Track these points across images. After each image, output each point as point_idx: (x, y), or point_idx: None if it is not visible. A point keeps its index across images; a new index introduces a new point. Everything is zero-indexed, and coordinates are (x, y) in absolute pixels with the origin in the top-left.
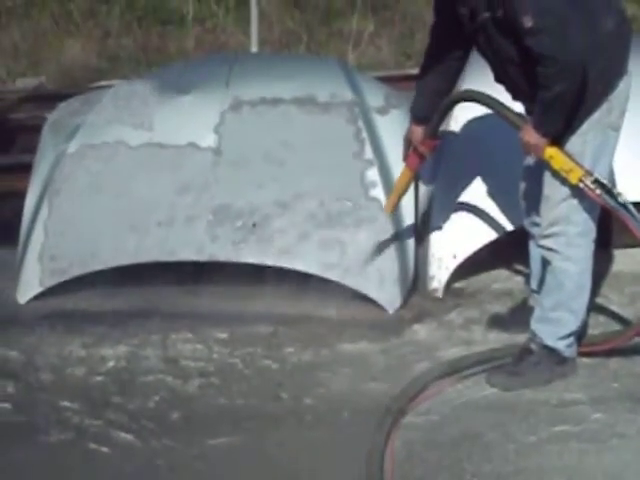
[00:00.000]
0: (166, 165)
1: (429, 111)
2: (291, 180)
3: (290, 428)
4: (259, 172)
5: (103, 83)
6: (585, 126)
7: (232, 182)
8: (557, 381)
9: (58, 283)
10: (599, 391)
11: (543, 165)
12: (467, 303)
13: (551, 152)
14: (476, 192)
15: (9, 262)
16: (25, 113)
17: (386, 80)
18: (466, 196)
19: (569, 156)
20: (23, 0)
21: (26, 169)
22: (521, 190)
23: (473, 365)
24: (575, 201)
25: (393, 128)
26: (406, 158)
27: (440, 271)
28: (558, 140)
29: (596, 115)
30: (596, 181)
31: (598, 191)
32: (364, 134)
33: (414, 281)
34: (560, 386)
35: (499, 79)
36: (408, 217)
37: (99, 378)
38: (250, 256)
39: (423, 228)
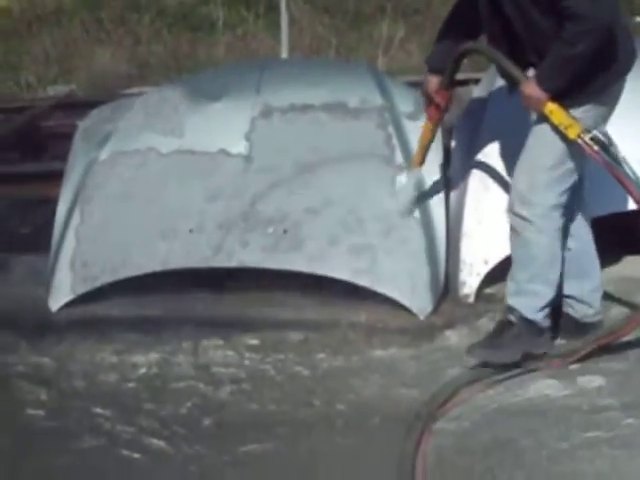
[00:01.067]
0: (197, 172)
1: (443, 62)
2: (321, 186)
3: (322, 434)
4: (289, 179)
5: (134, 90)
6: (584, 106)
7: (263, 189)
8: (589, 387)
9: (90, 290)
10: (631, 396)
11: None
12: (498, 309)
13: (551, 107)
14: (507, 197)
15: (41, 269)
16: (56, 120)
17: (417, 85)
18: (497, 201)
19: (568, 112)
20: (54, 8)
21: (58, 176)
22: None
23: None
24: (558, 172)
25: None
26: (426, 110)
27: (471, 277)
28: (557, 99)
29: (598, 97)
30: (594, 138)
31: (596, 147)
32: (394, 140)
33: (445, 287)
34: (592, 392)
35: (500, 38)
36: (439, 222)
37: (131, 385)
38: (281, 262)
39: (454, 233)
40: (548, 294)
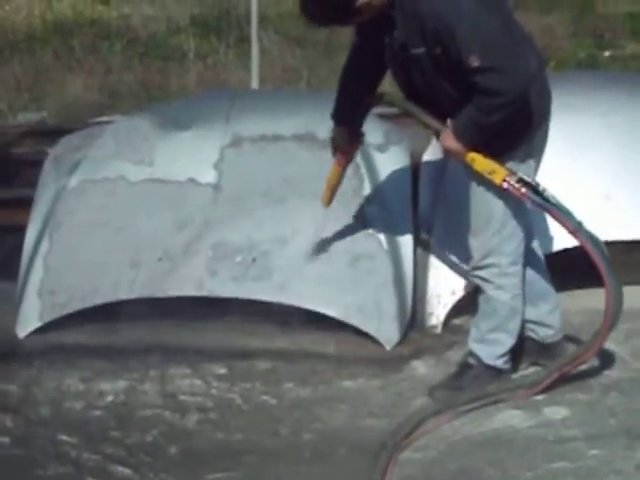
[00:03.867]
0: (166, 201)
1: (349, 116)
2: (290, 216)
3: (288, 463)
4: (259, 208)
5: (104, 119)
6: (506, 154)
7: (232, 218)
8: (554, 418)
9: (58, 317)
10: (596, 428)
11: (469, 199)
12: (465, 340)
13: (472, 155)
14: None
15: (9, 296)
16: (27, 148)
17: (386, 117)
18: (463, 233)
19: (490, 158)
20: (25, 35)
21: (27, 203)
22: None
23: (469, 402)
24: (505, 232)
25: (392, 165)
26: (334, 155)
27: (438, 307)
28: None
29: (520, 145)
30: (520, 180)
31: (523, 190)
32: (363, 170)
33: (412, 317)
34: (557, 422)
35: (412, 97)
36: (407, 253)
37: (97, 412)
38: (249, 292)
39: (422, 264)
40: (508, 342)
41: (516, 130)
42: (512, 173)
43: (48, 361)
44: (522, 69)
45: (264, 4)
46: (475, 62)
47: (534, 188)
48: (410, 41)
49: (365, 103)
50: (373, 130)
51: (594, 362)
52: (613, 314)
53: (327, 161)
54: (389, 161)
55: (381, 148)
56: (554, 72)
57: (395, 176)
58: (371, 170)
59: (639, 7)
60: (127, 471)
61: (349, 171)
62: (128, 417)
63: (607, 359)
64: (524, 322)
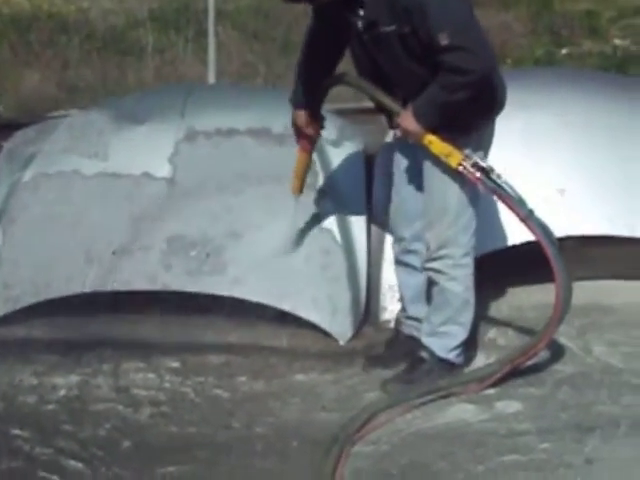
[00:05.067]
0: (121, 195)
1: (308, 98)
2: (244, 211)
3: (241, 457)
4: (213, 202)
5: (61, 113)
6: (462, 139)
7: (186, 212)
8: (506, 412)
9: (11, 311)
10: (547, 421)
11: (422, 184)
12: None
13: (430, 138)
14: None
15: None
16: None
17: (341, 113)
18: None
19: (447, 141)
20: None
21: None
22: (393, 205)
23: (420, 396)
24: (460, 223)
25: (346, 160)
26: (298, 141)
27: (392, 302)
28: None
29: (476, 131)
30: (475, 164)
31: (478, 174)
32: (317, 166)
33: (366, 312)
34: (509, 416)
35: (374, 79)
36: (360, 248)
37: (50, 406)
38: (203, 286)
39: (375, 259)
40: (461, 335)
41: (473, 116)
42: (468, 157)
43: (1, 355)
44: (488, 52)
45: None
46: (444, 40)
47: (488, 173)
48: (379, 19)
49: (324, 84)
50: (327, 126)
51: (547, 357)
52: (563, 304)
53: (282, 156)
54: (343, 156)
55: (335, 143)
56: (511, 69)
57: (349, 171)
58: (325, 165)
59: (596, 5)
60: (80, 465)
61: None
62: (81, 411)
63: (560, 354)
64: (407, 319)
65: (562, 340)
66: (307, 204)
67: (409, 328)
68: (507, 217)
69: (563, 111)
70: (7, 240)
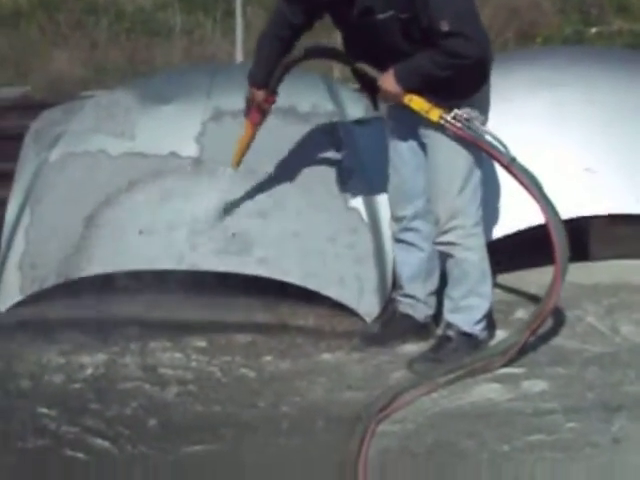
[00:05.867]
0: (147, 174)
1: (268, 77)
2: (271, 190)
3: (266, 435)
4: (239, 182)
5: (89, 93)
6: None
7: (212, 191)
8: (533, 391)
9: (38, 291)
10: (574, 401)
11: (421, 162)
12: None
13: (410, 96)
14: None
15: None
16: (9, 122)
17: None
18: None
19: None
20: (11, 10)
21: (9, 177)
22: (392, 185)
23: (447, 374)
24: (468, 191)
25: (373, 138)
26: (248, 115)
27: None
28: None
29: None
30: (455, 117)
31: (459, 124)
32: (344, 144)
33: (392, 291)
34: (535, 396)
35: (363, 58)
36: (387, 227)
37: (77, 385)
38: (229, 265)
39: None
40: (483, 307)
41: (459, 87)
42: (448, 110)
43: (28, 335)
44: (485, 38)
45: None
46: (445, 27)
47: (468, 123)
48: (374, 5)
49: (293, 56)
50: (353, 103)
51: (575, 336)
52: (560, 249)
53: (307, 134)
54: (368, 135)
55: (360, 122)
56: (539, 47)
57: (375, 150)
58: (351, 144)
59: None
60: (106, 443)
61: (330, 144)
62: (108, 390)
63: (587, 333)
64: (404, 297)
65: (589, 319)
66: (333, 183)
67: (405, 306)
68: (516, 199)
69: (590, 89)
70: (34, 220)
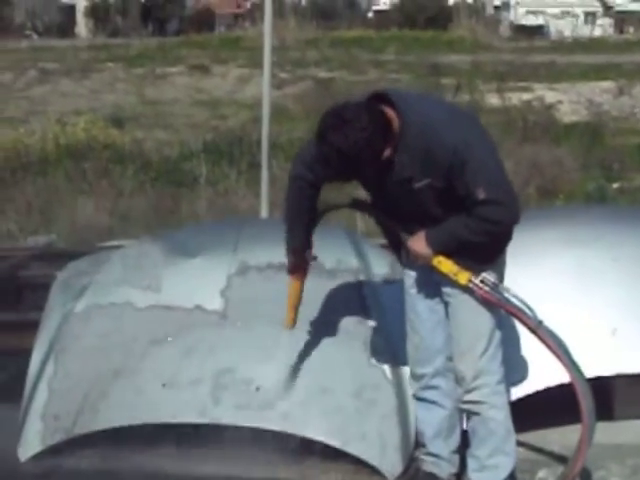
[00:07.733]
0: (172, 327)
1: (305, 241)
2: (295, 345)
3: None
4: (264, 336)
5: (114, 243)
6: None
7: (237, 346)
8: None
9: (60, 442)
10: None
11: (439, 320)
12: None
13: (439, 258)
14: None
15: (13, 418)
16: (35, 271)
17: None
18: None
19: (454, 261)
20: (38, 157)
21: (34, 327)
22: (411, 344)
23: None
24: (491, 350)
25: (396, 296)
26: (292, 272)
27: None
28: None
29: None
30: (483, 280)
31: (487, 288)
32: (369, 301)
33: (416, 448)
34: None
35: (388, 213)
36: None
37: None
38: (252, 420)
39: None
40: (509, 465)
41: (489, 251)
42: (476, 274)
43: None
44: (518, 202)
45: (276, 131)
46: (481, 195)
47: (495, 287)
48: (414, 175)
49: (328, 207)
50: (378, 259)
51: None
52: (587, 414)
53: (332, 290)
54: (393, 292)
55: (386, 279)
56: (562, 205)
57: (400, 307)
58: (376, 301)
59: None
60: None
61: (355, 301)
62: None
63: None
64: (430, 455)
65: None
66: (357, 339)
67: (428, 465)
68: (538, 358)
69: (614, 248)
70: (58, 370)
